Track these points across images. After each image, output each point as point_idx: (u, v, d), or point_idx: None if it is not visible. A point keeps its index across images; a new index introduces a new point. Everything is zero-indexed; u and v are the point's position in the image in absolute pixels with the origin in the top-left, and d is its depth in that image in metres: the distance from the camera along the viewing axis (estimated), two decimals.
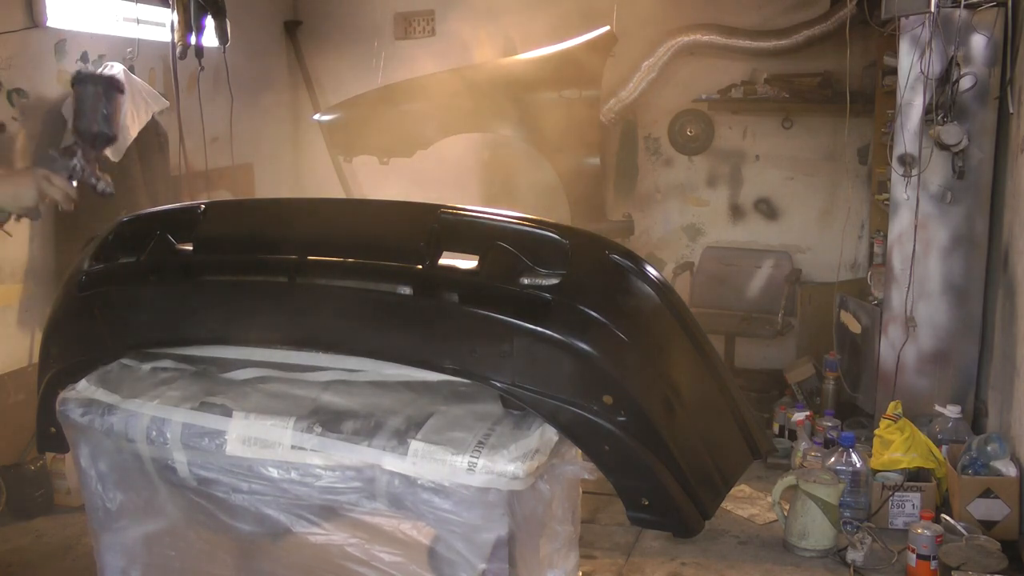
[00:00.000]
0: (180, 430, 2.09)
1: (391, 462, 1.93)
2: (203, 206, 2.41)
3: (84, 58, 4.39)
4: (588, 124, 4.99)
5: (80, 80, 2.11)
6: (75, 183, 2.08)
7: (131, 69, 4.48)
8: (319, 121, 5.29)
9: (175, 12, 4.33)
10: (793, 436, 4.24)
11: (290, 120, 6.27)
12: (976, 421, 4.03)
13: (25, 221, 2.14)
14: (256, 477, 2.05)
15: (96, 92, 2.09)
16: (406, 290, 2.09)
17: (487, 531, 1.91)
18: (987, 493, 3.42)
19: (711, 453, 2.15)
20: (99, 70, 4.28)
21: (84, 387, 2.24)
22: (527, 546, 2.01)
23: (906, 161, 3.98)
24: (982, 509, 3.43)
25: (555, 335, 1.97)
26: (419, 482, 1.91)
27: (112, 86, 2.12)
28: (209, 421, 2.08)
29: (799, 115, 5.45)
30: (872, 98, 4.95)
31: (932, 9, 3.78)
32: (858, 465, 3.62)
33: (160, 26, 4.63)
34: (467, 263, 2.12)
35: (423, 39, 6.00)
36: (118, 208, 4.03)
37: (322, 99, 6.07)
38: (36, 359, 2.55)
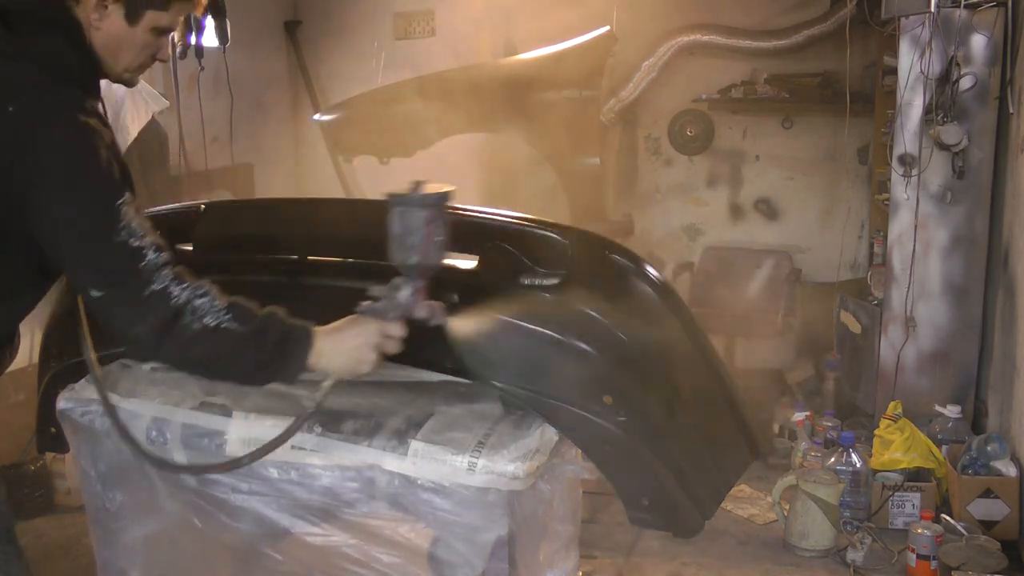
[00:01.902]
0: (180, 430, 2.09)
1: (391, 462, 1.92)
2: (203, 206, 2.41)
3: None
4: (588, 124, 4.99)
5: (411, 204, 1.71)
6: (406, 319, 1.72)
7: None
8: (319, 121, 5.29)
9: None
10: (793, 436, 4.24)
11: (290, 120, 6.27)
12: (976, 421, 4.02)
13: None
14: (256, 477, 2.05)
15: (429, 217, 1.70)
16: None
17: (487, 531, 1.91)
18: (987, 493, 3.42)
19: (711, 453, 2.15)
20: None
21: (84, 387, 2.24)
22: (527, 546, 2.01)
23: (906, 161, 3.98)
24: (982, 509, 3.43)
25: (555, 335, 1.97)
26: (419, 482, 1.91)
27: (445, 203, 1.71)
28: (209, 421, 2.08)
29: (799, 115, 5.45)
30: (872, 98, 4.95)
31: (932, 9, 3.78)
32: (858, 465, 3.62)
33: None
34: (467, 263, 2.12)
35: (423, 39, 5.99)
36: None
37: (322, 99, 6.07)
38: (36, 359, 2.55)
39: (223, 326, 1.63)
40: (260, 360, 1.69)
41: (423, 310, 1.76)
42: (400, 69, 5.59)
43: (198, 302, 1.63)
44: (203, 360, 1.68)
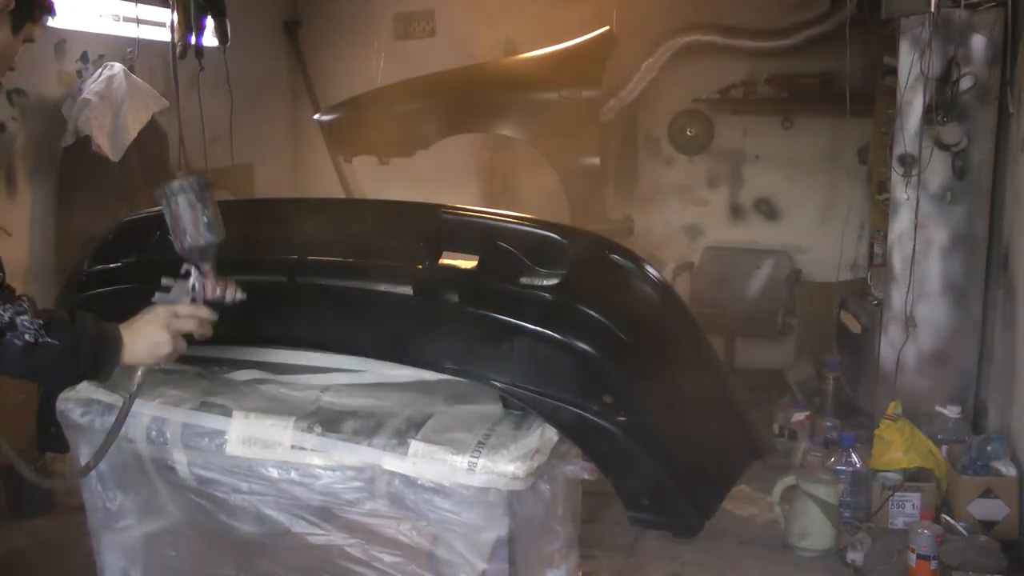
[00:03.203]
0: (180, 430, 2.09)
1: (391, 462, 1.93)
2: None
3: (84, 58, 4.39)
4: (588, 124, 5.00)
5: (171, 193, 1.79)
6: (202, 302, 1.82)
7: (131, 69, 4.48)
8: (319, 121, 5.29)
9: (175, 12, 4.32)
10: (793, 436, 4.24)
11: (290, 120, 6.27)
12: (976, 421, 4.02)
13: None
14: (256, 477, 2.05)
15: (190, 202, 1.78)
16: (406, 290, 2.09)
17: (487, 531, 1.91)
18: (987, 493, 3.42)
19: (711, 453, 2.15)
20: (100, 69, 4.28)
21: (84, 387, 2.24)
22: (527, 546, 2.01)
23: (906, 161, 3.98)
24: (982, 509, 3.43)
25: (555, 335, 1.97)
26: (419, 482, 1.91)
27: (205, 187, 1.81)
28: (209, 421, 2.08)
29: (799, 115, 5.45)
30: (872, 98, 4.95)
31: (932, 9, 3.78)
32: (858, 465, 3.61)
33: (160, 26, 4.63)
34: (467, 263, 2.12)
35: (423, 39, 6.00)
36: (117, 208, 4.05)
37: (322, 99, 6.07)
38: None
39: (41, 342, 1.70)
40: (78, 369, 1.78)
41: (216, 290, 1.83)
42: (400, 69, 5.59)
43: (19, 319, 1.69)
44: (26, 373, 1.76)
